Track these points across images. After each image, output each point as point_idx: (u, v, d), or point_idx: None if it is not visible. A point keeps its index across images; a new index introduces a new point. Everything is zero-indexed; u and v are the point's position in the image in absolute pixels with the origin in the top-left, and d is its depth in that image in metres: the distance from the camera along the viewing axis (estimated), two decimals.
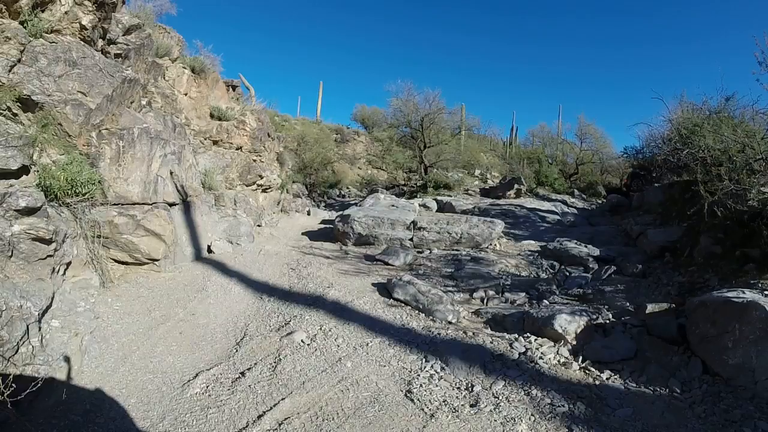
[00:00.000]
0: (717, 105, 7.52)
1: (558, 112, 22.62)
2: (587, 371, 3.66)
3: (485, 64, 70.27)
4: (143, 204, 5.42)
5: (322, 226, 10.61)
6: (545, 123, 23.12)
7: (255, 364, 3.44)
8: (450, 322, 4.42)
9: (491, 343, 3.89)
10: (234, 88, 11.83)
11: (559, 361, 3.77)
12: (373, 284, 5.62)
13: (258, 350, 3.75)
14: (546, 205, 12.41)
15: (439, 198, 13.12)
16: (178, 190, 6.25)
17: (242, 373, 3.29)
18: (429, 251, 7.55)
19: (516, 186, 13.69)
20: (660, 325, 4.57)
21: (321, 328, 4.14)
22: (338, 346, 3.76)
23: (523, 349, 3.80)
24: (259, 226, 9.16)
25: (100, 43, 5.80)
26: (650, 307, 4.90)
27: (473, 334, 4.08)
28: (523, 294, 5.57)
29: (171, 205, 5.98)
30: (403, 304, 4.85)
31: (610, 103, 54.14)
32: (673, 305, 5.04)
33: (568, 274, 6.36)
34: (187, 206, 6.48)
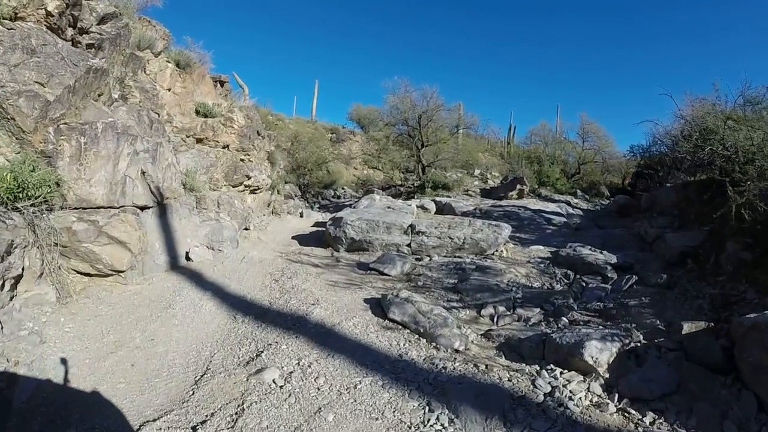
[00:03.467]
0: (754, 94, 6.75)
1: (556, 111, 21.92)
2: (626, 414, 3.00)
3: (483, 64, 69.76)
4: (109, 208, 4.82)
5: (315, 229, 9.92)
6: (546, 122, 22.46)
7: (212, 414, 2.73)
8: (457, 350, 3.73)
9: (509, 380, 3.19)
10: (222, 84, 11.15)
11: (591, 401, 3.09)
12: (366, 300, 4.92)
13: (219, 393, 3.04)
14: (551, 207, 11.75)
15: (437, 199, 12.43)
16: (152, 192, 5.63)
17: (193, 429, 2.58)
18: (429, 258, 6.87)
19: (518, 186, 13.02)
20: (700, 348, 3.93)
21: (299, 363, 3.43)
22: (318, 389, 3.05)
23: (549, 388, 3.11)
24: (246, 229, 8.49)
25: (70, 32, 5.24)
26: (687, 327, 4.24)
27: (486, 367, 3.38)
28: (538, 310, 4.90)
29: (142, 208, 5.38)
30: (400, 327, 4.16)
31: (610, 102, 53.60)
32: (711, 324, 4.38)
33: (584, 284, 5.69)
34: (162, 209, 5.87)
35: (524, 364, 3.54)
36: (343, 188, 20.15)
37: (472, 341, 4.02)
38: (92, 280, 4.66)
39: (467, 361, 3.48)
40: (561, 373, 3.37)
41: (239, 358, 3.68)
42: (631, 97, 53.59)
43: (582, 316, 4.83)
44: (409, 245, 7.21)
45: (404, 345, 3.80)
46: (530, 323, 4.54)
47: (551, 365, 3.47)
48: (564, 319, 4.61)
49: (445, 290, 5.40)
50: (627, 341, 3.81)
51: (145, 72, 7.38)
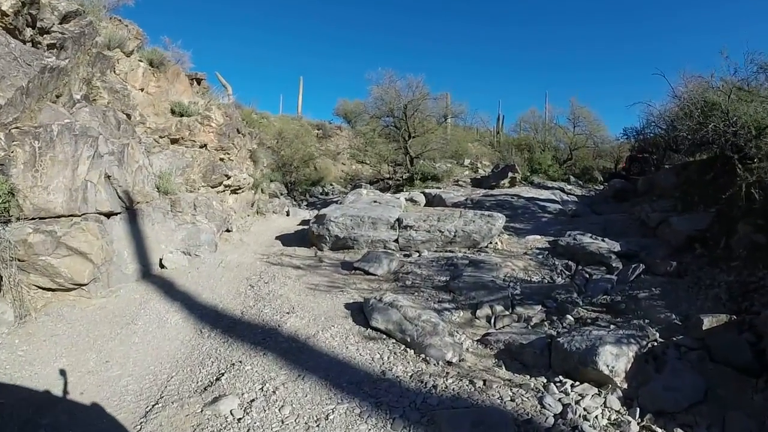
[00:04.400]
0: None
1: (545, 98, 21.43)
2: None
3: (469, 48, 68.80)
4: (70, 216, 4.40)
5: (300, 227, 9.39)
6: (536, 108, 21.96)
7: None
8: (450, 363, 3.21)
9: (512, 399, 2.68)
10: (199, 81, 10.63)
11: (610, 419, 2.60)
12: (347, 305, 4.39)
13: (168, 429, 2.50)
14: (544, 194, 11.27)
15: (427, 191, 11.91)
16: (119, 197, 5.18)
17: None
18: (418, 254, 6.35)
19: (510, 174, 12.54)
20: (726, 347, 3.48)
21: (263, 388, 2.89)
22: (282, 421, 2.51)
23: (559, 407, 2.61)
24: (228, 231, 7.99)
25: (29, 32, 4.83)
26: (707, 322, 3.77)
27: (484, 384, 2.87)
28: (539, 307, 4.40)
29: (108, 215, 4.95)
30: (384, 336, 3.63)
31: (601, 83, 52.76)
32: (733, 317, 3.91)
33: (588, 276, 5.21)
34: (132, 215, 5.44)
35: (528, 376, 3.04)
36: (331, 184, 19.60)
37: (467, 349, 3.51)
38: (55, 296, 4.25)
39: (462, 377, 2.97)
40: (572, 386, 2.87)
41: (197, 382, 3.17)
42: (623, 77, 52.89)
43: (588, 312, 4.34)
44: (396, 241, 6.68)
45: (388, 358, 3.28)
46: (532, 324, 4.04)
47: (560, 377, 2.98)
48: (569, 317, 4.12)
49: (435, 289, 4.88)
50: (644, 342, 3.32)
51: (114, 72, 6.97)
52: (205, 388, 3.02)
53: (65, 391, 3.01)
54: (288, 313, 4.29)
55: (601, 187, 15.76)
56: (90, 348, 3.59)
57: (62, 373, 3.22)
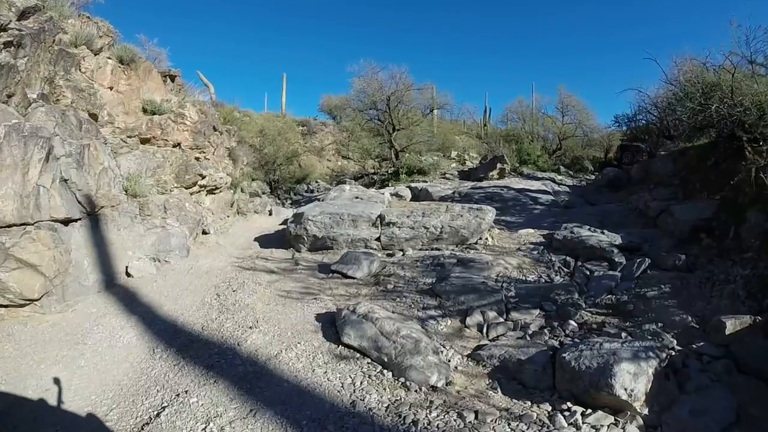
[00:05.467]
0: None
1: (531, 89, 20.90)
2: None
3: (457, 39, 67.76)
4: (23, 225, 3.99)
5: (282, 227, 8.83)
6: (523, 97, 21.44)
7: None
8: (435, 388, 2.66)
9: None
10: (173, 78, 9.99)
11: None
12: (319, 317, 3.82)
13: None
14: (535, 185, 10.80)
15: (413, 185, 11.38)
16: (78, 202, 4.73)
17: None
18: (401, 253, 5.80)
19: (499, 165, 12.04)
20: (755, 355, 3.03)
21: (206, 428, 2.34)
22: None
23: None
24: (205, 233, 7.45)
25: None
26: (730, 325, 3.28)
27: (476, 417, 2.33)
28: (537, 311, 3.89)
29: (66, 222, 4.50)
30: (358, 355, 3.07)
31: (590, 70, 52.11)
32: (758, 318, 3.43)
33: (589, 273, 4.71)
34: (95, 221, 5.00)
35: (529, 403, 2.51)
36: (316, 182, 19.02)
37: (456, 367, 2.97)
38: (9, 312, 3.86)
39: (449, 407, 2.42)
40: (583, 414, 2.34)
41: (136, 417, 2.64)
42: (612, 63, 52.29)
43: (593, 315, 3.83)
44: (378, 239, 6.13)
45: (361, 384, 2.72)
46: (530, 332, 3.51)
47: (567, 403, 2.45)
48: (572, 322, 3.60)
49: (420, 294, 4.33)
50: (663, 355, 2.81)
51: (80, 70, 6.41)
52: (141, 428, 2.47)
53: None
54: (251, 327, 3.74)
55: (593, 176, 15.39)
56: (32, 373, 3.15)
57: None
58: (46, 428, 2.55)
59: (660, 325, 3.55)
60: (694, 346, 3.23)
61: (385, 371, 2.86)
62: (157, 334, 3.80)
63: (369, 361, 3.00)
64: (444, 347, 3.21)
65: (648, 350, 2.69)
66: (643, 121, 12.24)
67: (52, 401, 2.87)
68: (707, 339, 3.31)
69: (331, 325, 3.54)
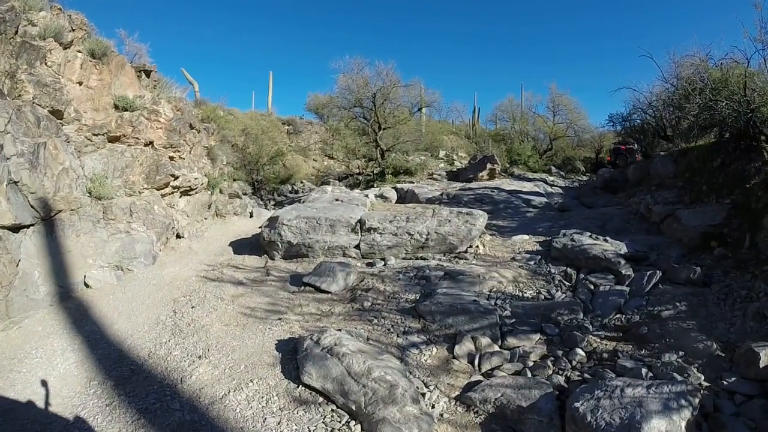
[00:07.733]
0: None
1: (520, 89, 20.39)
2: None
3: (444, 46, 67.30)
4: None
5: (261, 230, 8.24)
6: (513, 96, 20.96)
7: None
8: None
9: None
10: (148, 73, 9.32)
11: None
12: (280, 344, 3.22)
13: None
14: (527, 186, 10.29)
15: (399, 186, 10.79)
16: (31, 206, 4.39)
17: None
18: (383, 263, 5.21)
19: (489, 166, 11.50)
20: None
21: None
22: None
23: None
24: (179, 237, 6.86)
25: None
26: (764, 356, 2.73)
27: None
28: (537, 336, 3.33)
29: (15, 229, 4.18)
30: (321, 399, 2.46)
31: (581, 72, 51.83)
32: None
33: (593, 287, 4.16)
34: (50, 226, 4.64)
35: None
36: (301, 182, 18.38)
37: (442, 414, 2.39)
38: None
39: None
40: None
41: None
42: (605, 67, 52.09)
43: (602, 341, 3.27)
44: (357, 247, 5.53)
45: None
46: (529, 363, 2.95)
47: None
48: (579, 351, 3.04)
49: (401, 313, 3.74)
50: (696, 401, 2.25)
51: (46, 64, 5.81)
52: None
53: None
54: (200, 357, 3.15)
55: (585, 177, 14.98)
56: None
57: None
58: None
59: (681, 354, 3.01)
60: (724, 382, 2.69)
61: (352, 423, 2.26)
62: (99, 360, 3.30)
63: (333, 408, 2.40)
64: (427, 387, 2.62)
65: (679, 397, 2.14)
66: (638, 121, 11.81)
67: None
68: (737, 371, 2.78)
69: (293, 357, 2.93)
